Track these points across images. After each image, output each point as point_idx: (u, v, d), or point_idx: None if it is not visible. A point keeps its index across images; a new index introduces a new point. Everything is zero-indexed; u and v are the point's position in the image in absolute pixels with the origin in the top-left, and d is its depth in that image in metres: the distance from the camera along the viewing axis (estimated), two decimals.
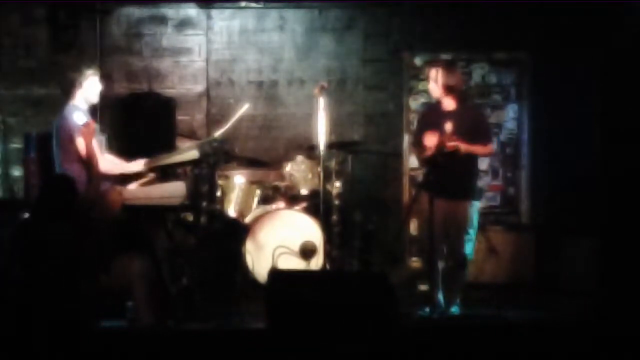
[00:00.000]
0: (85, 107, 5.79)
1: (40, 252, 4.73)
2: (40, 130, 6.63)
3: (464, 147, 5.64)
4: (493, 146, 6.04)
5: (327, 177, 6.46)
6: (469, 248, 5.82)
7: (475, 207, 5.86)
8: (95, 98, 5.85)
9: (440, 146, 5.64)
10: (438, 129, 5.74)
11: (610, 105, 6.09)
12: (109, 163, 5.76)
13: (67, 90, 5.81)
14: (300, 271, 5.99)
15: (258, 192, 6.79)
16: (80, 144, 5.55)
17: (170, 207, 5.70)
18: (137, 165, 5.81)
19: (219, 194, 6.42)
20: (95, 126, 5.70)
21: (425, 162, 5.88)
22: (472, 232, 5.82)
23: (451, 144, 5.62)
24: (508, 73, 7.47)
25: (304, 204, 6.69)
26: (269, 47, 7.47)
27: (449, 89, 5.81)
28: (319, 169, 6.15)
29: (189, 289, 5.70)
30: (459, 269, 5.85)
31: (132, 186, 5.71)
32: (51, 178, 5.46)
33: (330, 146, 6.29)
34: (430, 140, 5.73)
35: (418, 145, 5.98)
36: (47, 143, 5.97)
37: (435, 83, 5.84)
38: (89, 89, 5.80)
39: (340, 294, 4.47)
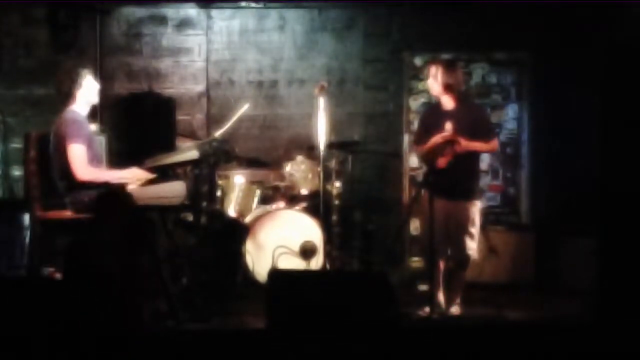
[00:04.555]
0: (86, 110, 5.72)
1: (95, 261, 4.78)
2: (40, 130, 6.62)
3: (464, 143, 5.64)
4: (496, 142, 6.02)
5: (327, 177, 6.46)
6: (471, 248, 5.81)
7: (477, 207, 5.86)
8: (95, 98, 5.76)
9: (439, 145, 5.64)
10: (439, 128, 5.74)
11: (610, 105, 6.08)
12: (93, 173, 5.58)
13: (67, 93, 5.67)
14: (300, 271, 5.99)
15: (258, 192, 6.80)
16: (74, 149, 5.52)
17: (170, 207, 5.69)
18: (132, 174, 5.75)
19: (219, 194, 6.43)
20: (92, 132, 5.69)
21: (425, 159, 5.89)
22: (474, 231, 5.82)
23: (447, 133, 5.63)
24: (508, 73, 7.47)
25: (304, 204, 6.69)
26: (269, 47, 7.48)
27: (448, 87, 5.80)
28: (319, 169, 6.15)
29: (189, 289, 5.71)
30: (460, 269, 5.86)
31: (132, 186, 5.71)
32: (105, 191, 5.47)
33: (330, 146, 6.28)
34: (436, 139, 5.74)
35: (419, 144, 5.98)
36: (47, 143, 5.97)
37: (434, 80, 5.83)
38: (88, 88, 5.70)
39: (340, 294, 4.47)
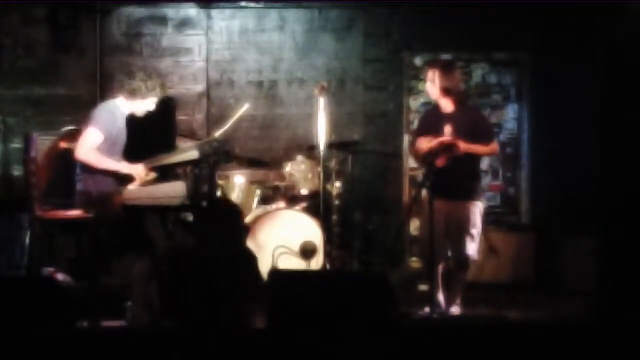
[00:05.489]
0: (127, 110, 5.78)
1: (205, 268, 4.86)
2: (40, 130, 6.62)
3: (463, 146, 5.63)
4: (496, 145, 6.02)
5: (327, 177, 6.46)
6: (472, 249, 5.81)
7: (478, 208, 5.85)
8: (141, 113, 5.81)
9: (438, 147, 5.64)
10: (438, 131, 5.74)
11: (610, 105, 6.08)
12: (92, 156, 5.60)
13: (129, 90, 5.73)
14: (300, 271, 5.99)
15: (258, 192, 6.80)
16: (88, 131, 5.55)
17: (170, 207, 5.70)
18: (132, 169, 5.75)
19: (219, 194, 6.42)
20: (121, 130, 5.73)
21: (422, 161, 5.90)
22: (474, 232, 5.81)
23: (447, 137, 5.63)
24: (508, 73, 7.47)
25: (304, 204, 6.69)
26: (269, 47, 7.47)
27: (446, 91, 5.79)
28: (319, 169, 6.15)
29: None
30: (460, 269, 5.85)
31: (132, 186, 5.71)
32: (215, 201, 5.56)
33: (330, 146, 6.29)
34: (424, 143, 5.74)
35: (417, 146, 5.98)
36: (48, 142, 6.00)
37: (432, 84, 5.83)
38: (145, 104, 5.76)
39: (340, 294, 4.47)
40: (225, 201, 5.51)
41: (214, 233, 5.14)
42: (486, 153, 6.01)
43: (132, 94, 5.73)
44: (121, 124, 5.75)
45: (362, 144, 7.13)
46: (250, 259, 5.24)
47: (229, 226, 5.17)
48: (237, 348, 4.83)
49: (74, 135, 5.85)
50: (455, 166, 5.66)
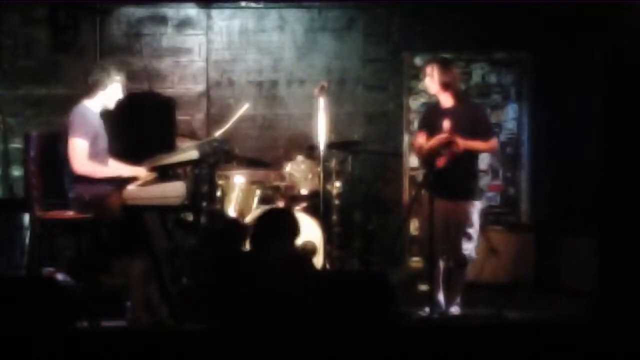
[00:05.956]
0: (99, 108, 5.73)
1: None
2: (40, 130, 6.62)
3: (462, 143, 5.63)
4: (495, 141, 6.01)
5: (327, 177, 6.46)
6: (469, 248, 5.81)
7: (477, 208, 5.85)
8: (112, 104, 5.73)
9: (438, 144, 5.65)
10: (437, 127, 5.74)
11: (610, 105, 6.09)
12: (90, 167, 5.55)
13: (90, 86, 5.65)
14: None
15: (258, 192, 6.79)
16: (74, 143, 5.52)
17: (170, 207, 5.69)
18: (134, 171, 5.73)
19: (219, 194, 6.42)
20: (100, 128, 5.70)
21: (424, 160, 5.90)
22: (473, 232, 5.81)
23: (445, 135, 5.63)
24: (508, 73, 7.47)
25: (304, 204, 6.69)
26: (269, 47, 7.48)
27: (445, 85, 5.80)
28: (319, 169, 6.15)
29: (188, 289, 5.70)
30: (459, 269, 5.85)
31: (132, 186, 5.70)
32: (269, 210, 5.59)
33: (330, 146, 6.28)
34: (421, 139, 5.76)
35: (418, 145, 5.98)
36: (48, 143, 5.97)
37: (431, 79, 5.84)
38: (111, 93, 5.67)
39: (340, 294, 4.47)
40: (280, 209, 5.53)
41: (271, 238, 5.14)
42: (485, 149, 6.00)
43: (92, 89, 5.65)
44: (96, 123, 5.69)
45: (362, 144, 7.13)
46: (306, 261, 5.25)
47: (286, 231, 5.18)
48: (237, 348, 4.83)
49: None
50: (454, 166, 5.66)
